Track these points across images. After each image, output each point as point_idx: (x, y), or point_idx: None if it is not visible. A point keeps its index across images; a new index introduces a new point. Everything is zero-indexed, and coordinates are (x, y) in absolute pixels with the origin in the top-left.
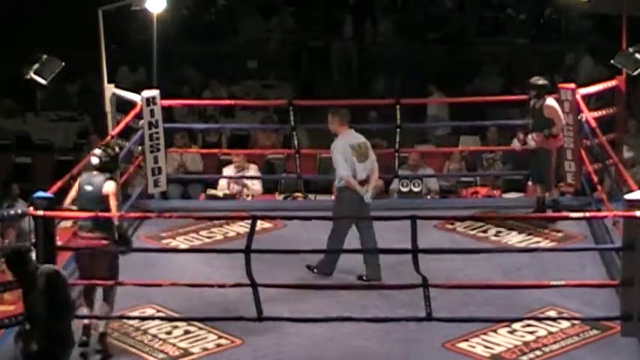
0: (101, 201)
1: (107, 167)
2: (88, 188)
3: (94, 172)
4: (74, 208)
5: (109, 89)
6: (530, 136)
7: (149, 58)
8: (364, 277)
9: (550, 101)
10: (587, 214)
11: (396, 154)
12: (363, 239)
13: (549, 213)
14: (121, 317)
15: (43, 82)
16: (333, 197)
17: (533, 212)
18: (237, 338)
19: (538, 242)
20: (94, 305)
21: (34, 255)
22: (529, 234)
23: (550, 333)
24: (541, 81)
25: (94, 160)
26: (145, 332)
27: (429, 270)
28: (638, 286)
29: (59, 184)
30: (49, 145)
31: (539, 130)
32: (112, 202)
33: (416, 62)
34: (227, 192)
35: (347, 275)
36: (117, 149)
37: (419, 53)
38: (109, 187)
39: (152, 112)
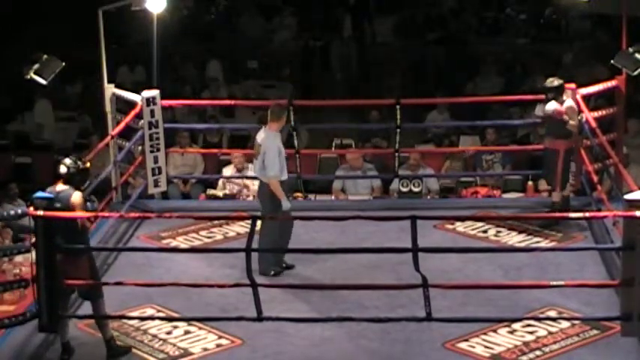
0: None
1: (73, 179)
2: (57, 205)
3: (58, 187)
4: None
5: (109, 89)
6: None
7: (149, 58)
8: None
9: (570, 102)
10: (587, 214)
11: (396, 154)
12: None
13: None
14: (121, 317)
15: (43, 82)
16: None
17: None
18: (237, 338)
19: (538, 242)
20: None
21: (33, 255)
22: (529, 234)
23: (550, 333)
24: (556, 82)
25: (62, 169)
26: (145, 332)
27: (428, 270)
28: (638, 286)
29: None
30: (49, 145)
31: (553, 134)
32: (78, 214)
33: (416, 62)
34: (227, 192)
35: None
36: (87, 165)
37: (419, 53)
38: (75, 196)
39: (152, 112)
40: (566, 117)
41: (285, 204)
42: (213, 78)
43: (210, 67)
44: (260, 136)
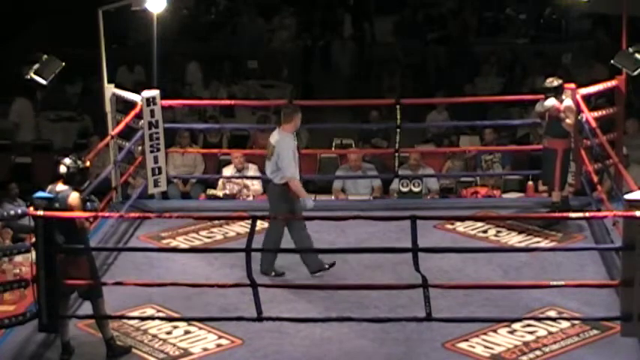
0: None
1: (73, 180)
2: (56, 205)
3: (58, 187)
4: None
5: (109, 89)
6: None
7: (149, 58)
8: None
9: (569, 102)
10: (587, 214)
11: (396, 154)
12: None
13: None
14: (121, 317)
15: (43, 82)
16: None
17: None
18: (237, 338)
19: (538, 242)
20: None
21: (33, 255)
22: (529, 234)
23: (550, 333)
24: (556, 82)
25: (62, 169)
26: (145, 332)
27: (429, 270)
28: (638, 286)
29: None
30: (49, 145)
31: (551, 133)
32: (77, 214)
33: (416, 62)
34: (227, 192)
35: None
36: (87, 165)
37: (419, 53)
38: (73, 197)
39: (152, 112)
40: (562, 115)
41: (310, 203)
42: (190, 82)
43: (189, 69)
44: (274, 138)
